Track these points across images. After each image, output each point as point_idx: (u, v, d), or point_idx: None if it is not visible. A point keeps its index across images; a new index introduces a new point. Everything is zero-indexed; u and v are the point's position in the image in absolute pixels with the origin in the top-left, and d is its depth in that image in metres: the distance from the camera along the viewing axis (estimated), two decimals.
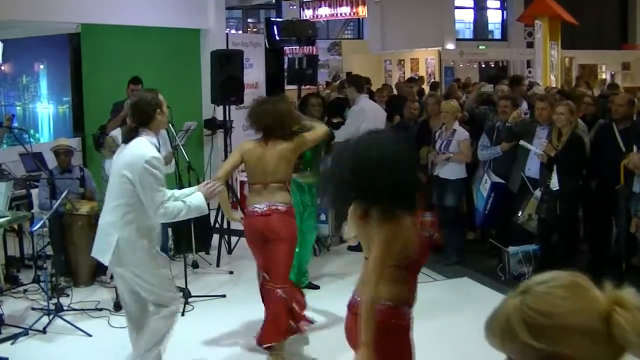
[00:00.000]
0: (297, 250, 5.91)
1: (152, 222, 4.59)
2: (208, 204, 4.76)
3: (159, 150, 4.60)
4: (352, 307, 3.38)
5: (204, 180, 9.04)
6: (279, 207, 5.45)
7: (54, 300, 6.38)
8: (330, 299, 6.86)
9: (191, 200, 4.60)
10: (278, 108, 5.50)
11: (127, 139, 4.60)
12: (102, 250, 4.60)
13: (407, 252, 3.28)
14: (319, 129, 5.80)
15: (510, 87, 9.93)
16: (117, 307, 6.47)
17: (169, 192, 4.62)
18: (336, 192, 3.32)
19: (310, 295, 6.34)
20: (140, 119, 4.60)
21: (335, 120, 9.97)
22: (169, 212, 4.48)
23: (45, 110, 11.21)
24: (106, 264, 4.65)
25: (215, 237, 8.56)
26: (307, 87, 11.56)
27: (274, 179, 5.47)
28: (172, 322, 4.81)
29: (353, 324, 3.29)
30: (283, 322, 5.46)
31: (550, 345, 1.59)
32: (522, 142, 7.43)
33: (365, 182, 3.16)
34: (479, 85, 10.65)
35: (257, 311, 6.04)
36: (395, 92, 13.18)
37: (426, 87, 16.65)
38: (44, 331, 6.08)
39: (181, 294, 6.81)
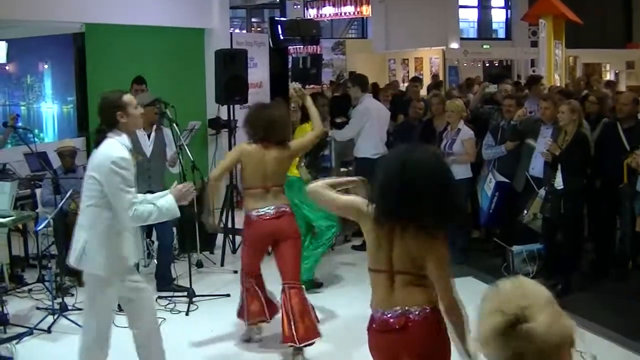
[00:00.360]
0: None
1: (122, 225, 4.49)
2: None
3: (130, 151, 4.51)
4: (388, 323, 3.31)
5: (207, 180, 9.08)
6: (287, 209, 5.58)
7: (59, 300, 6.39)
8: (333, 297, 6.88)
9: (162, 203, 4.47)
10: (276, 113, 5.57)
11: (96, 141, 4.52)
12: (72, 251, 4.55)
13: None
14: (311, 134, 5.87)
15: (528, 87, 10.00)
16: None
17: (141, 197, 4.51)
18: (405, 209, 3.18)
19: (312, 293, 6.36)
20: (105, 121, 4.54)
21: (338, 120, 9.96)
22: (138, 215, 4.37)
23: (50, 110, 11.24)
24: (72, 264, 4.58)
25: (220, 237, 8.56)
26: (312, 86, 11.55)
27: (275, 183, 5.55)
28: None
29: (391, 343, 3.31)
30: (313, 319, 5.55)
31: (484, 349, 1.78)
32: (528, 141, 7.44)
33: (441, 202, 3.17)
34: (483, 85, 10.62)
35: None
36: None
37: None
38: (48, 330, 6.10)
39: (185, 293, 6.88)
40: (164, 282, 7.26)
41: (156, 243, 7.79)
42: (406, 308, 3.25)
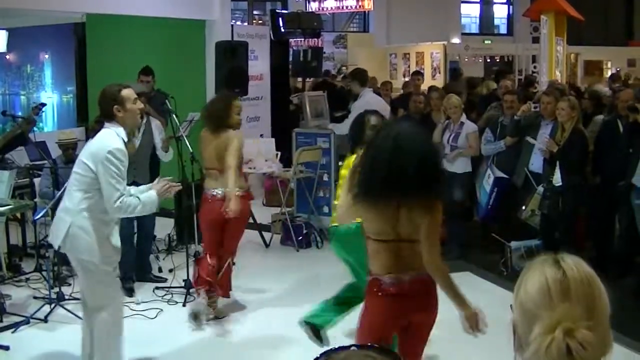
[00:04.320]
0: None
1: (107, 216, 4.56)
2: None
3: (126, 144, 4.58)
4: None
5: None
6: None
7: (56, 289, 6.39)
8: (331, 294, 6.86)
9: (145, 198, 4.58)
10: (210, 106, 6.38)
11: (94, 131, 4.58)
12: (55, 235, 4.61)
13: None
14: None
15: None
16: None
17: (129, 189, 4.62)
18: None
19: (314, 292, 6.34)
20: (103, 112, 4.62)
21: (337, 114, 9.96)
22: (124, 207, 4.46)
23: (50, 100, 11.22)
24: (56, 248, 4.64)
25: None
26: (311, 79, 11.53)
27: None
28: (116, 329, 4.78)
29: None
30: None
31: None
32: (528, 138, 7.42)
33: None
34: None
35: (257, 302, 6.07)
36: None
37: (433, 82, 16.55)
38: (45, 320, 6.10)
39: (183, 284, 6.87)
40: (143, 271, 7.25)
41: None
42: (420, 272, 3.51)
